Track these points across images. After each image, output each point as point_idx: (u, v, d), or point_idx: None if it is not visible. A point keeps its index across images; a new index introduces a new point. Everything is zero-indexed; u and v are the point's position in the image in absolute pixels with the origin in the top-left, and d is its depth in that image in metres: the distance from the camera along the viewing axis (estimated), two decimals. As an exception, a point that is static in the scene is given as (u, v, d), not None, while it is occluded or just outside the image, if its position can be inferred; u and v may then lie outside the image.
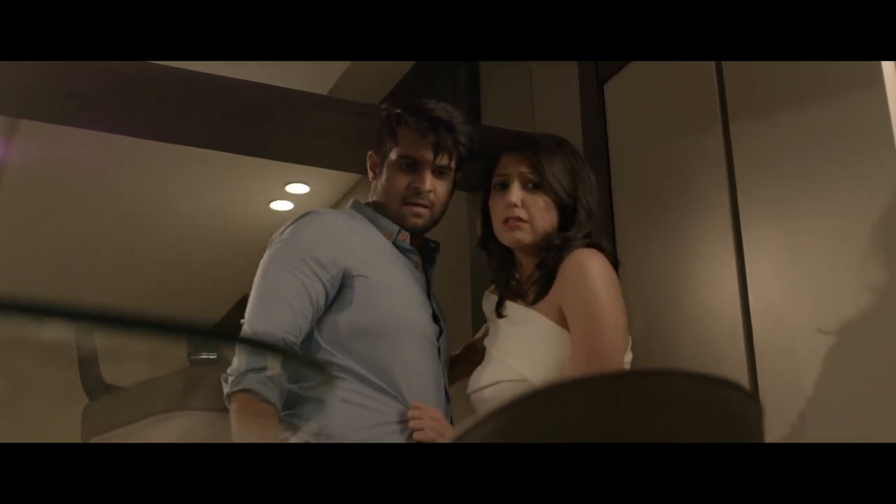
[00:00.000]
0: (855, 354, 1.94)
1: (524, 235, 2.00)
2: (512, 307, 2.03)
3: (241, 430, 1.85)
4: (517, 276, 2.07)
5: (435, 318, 2.12)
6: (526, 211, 2.00)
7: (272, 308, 1.94)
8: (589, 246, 1.97)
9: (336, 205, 4.89)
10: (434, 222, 2.15)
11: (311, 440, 1.92)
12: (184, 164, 4.41)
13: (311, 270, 1.96)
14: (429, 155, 2.08)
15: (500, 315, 2.04)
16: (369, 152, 2.20)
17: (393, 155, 2.11)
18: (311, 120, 2.89)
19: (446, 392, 2.10)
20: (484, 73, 3.54)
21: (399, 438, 1.93)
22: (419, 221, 2.11)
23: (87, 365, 5.06)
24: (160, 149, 3.25)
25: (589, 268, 1.90)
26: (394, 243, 2.10)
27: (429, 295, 2.15)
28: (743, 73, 2.33)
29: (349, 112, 2.93)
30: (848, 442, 1.90)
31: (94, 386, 5.06)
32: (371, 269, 2.02)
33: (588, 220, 2.01)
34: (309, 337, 1.98)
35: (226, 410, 1.92)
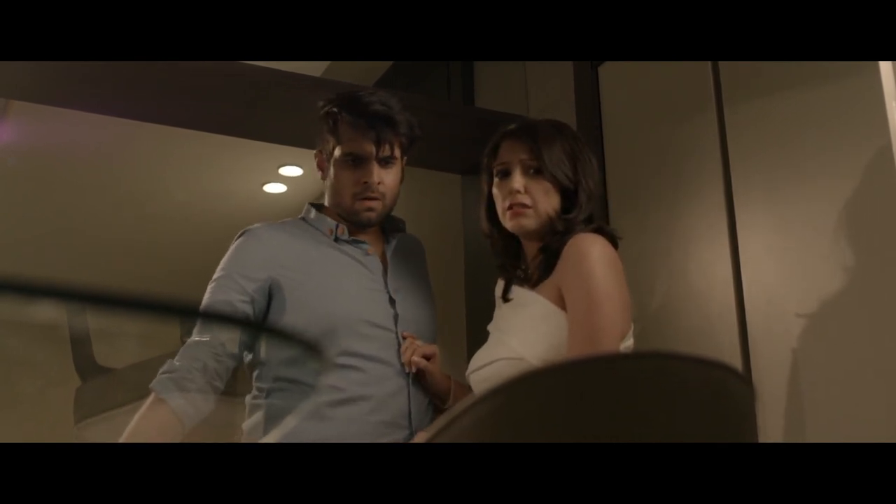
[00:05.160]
0: (848, 337, 1.94)
1: (529, 221, 2.01)
2: (517, 291, 2.04)
3: (137, 421, 1.97)
4: (523, 262, 2.07)
5: (392, 303, 2.15)
6: (529, 197, 2.01)
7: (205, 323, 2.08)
8: (592, 230, 1.97)
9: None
10: (388, 211, 2.21)
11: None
12: (177, 146, 4.39)
13: (237, 284, 2.08)
14: (371, 149, 2.12)
15: (506, 299, 2.05)
16: (315, 152, 2.24)
17: (337, 152, 2.15)
18: (305, 102, 2.88)
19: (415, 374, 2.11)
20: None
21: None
22: (372, 215, 2.16)
23: (80, 346, 5.06)
24: (153, 130, 3.24)
25: (589, 252, 1.90)
26: (335, 239, 2.16)
27: (386, 279, 2.18)
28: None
29: (343, 94, 2.92)
30: (839, 422, 1.91)
31: (87, 367, 5.07)
32: (297, 273, 2.09)
33: (589, 203, 2.02)
34: (257, 357, 2.12)
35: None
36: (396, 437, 2.05)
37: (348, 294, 2.12)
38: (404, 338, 2.12)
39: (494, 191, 2.08)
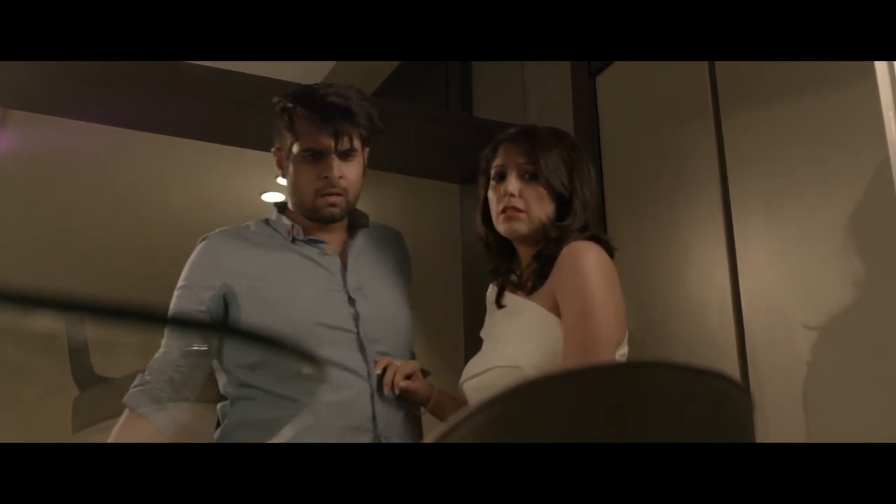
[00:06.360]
0: (846, 344, 1.94)
1: (521, 225, 2.00)
2: (510, 298, 2.03)
3: (115, 435, 1.98)
4: (517, 268, 2.07)
5: (352, 302, 2.09)
6: (523, 201, 2.00)
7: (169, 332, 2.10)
8: (587, 238, 1.97)
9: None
10: (351, 205, 2.16)
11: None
12: (175, 154, 4.39)
13: (195, 294, 2.08)
14: (330, 143, 2.08)
15: (499, 305, 2.04)
16: (273, 149, 2.20)
17: (295, 149, 2.11)
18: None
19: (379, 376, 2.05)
20: (476, 65, 3.54)
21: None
22: (336, 211, 2.13)
23: (78, 356, 5.05)
24: (152, 139, 3.24)
25: (584, 260, 1.89)
26: (292, 240, 2.14)
27: (345, 278, 2.12)
28: (735, 66, 2.33)
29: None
30: (840, 430, 1.91)
31: (85, 377, 5.05)
32: (251, 280, 2.07)
33: (584, 212, 2.01)
34: (220, 363, 2.10)
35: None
36: (360, 440, 1.98)
37: (304, 297, 2.07)
38: (377, 361, 2.05)
39: (490, 193, 2.07)
